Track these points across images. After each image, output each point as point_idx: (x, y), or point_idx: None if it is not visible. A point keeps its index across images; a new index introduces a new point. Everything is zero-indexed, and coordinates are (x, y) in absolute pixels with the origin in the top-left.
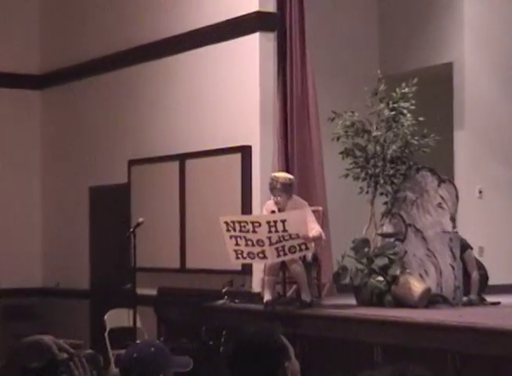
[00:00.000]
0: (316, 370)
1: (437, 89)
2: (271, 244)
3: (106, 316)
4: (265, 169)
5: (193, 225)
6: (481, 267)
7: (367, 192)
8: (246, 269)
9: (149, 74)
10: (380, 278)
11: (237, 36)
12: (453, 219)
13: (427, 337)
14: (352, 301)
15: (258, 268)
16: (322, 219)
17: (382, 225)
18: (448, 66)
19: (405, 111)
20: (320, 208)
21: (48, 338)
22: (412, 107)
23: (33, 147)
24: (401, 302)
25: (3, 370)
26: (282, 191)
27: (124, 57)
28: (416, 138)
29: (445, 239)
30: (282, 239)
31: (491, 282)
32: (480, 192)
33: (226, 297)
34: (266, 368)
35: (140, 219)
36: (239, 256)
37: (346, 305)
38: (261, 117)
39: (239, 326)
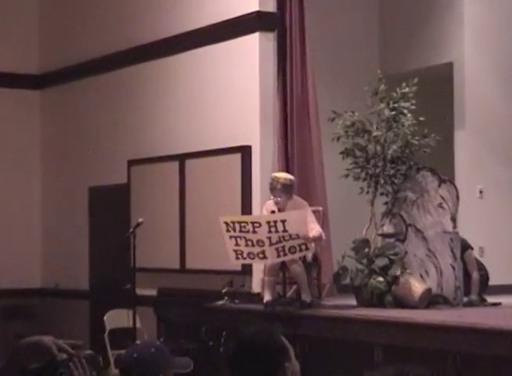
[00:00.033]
0: (316, 371)
1: (437, 89)
2: (271, 244)
3: (105, 317)
4: (265, 169)
5: (193, 226)
6: (481, 267)
7: (367, 192)
8: (246, 270)
9: (149, 74)
10: (381, 278)
11: (237, 36)
12: (454, 219)
13: (427, 337)
14: (352, 301)
15: (258, 268)
16: (323, 219)
17: (382, 225)
18: (449, 66)
19: (405, 111)
20: (320, 208)
21: (47, 339)
22: (413, 107)
23: (32, 147)
24: (401, 303)
25: (3, 371)
26: (282, 191)
27: (124, 57)
28: (417, 138)
29: (445, 239)
30: (282, 239)
31: (491, 282)
32: (480, 192)
33: (226, 297)
34: (266, 369)
35: (140, 219)
36: (239, 256)
37: (346, 306)
38: (261, 117)
39: (239, 326)
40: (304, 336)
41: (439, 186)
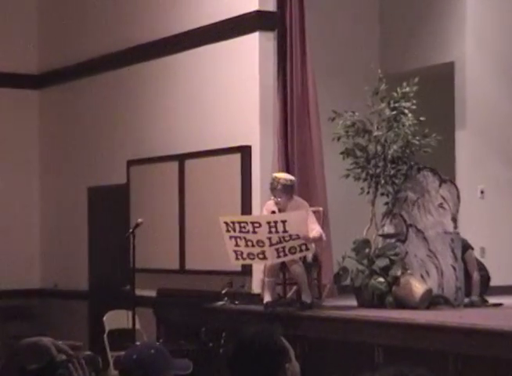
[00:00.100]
0: (317, 372)
1: (438, 89)
2: (271, 244)
3: (105, 318)
4: (265, 169)
5: (193, 226)
6: (482, 268)
7: (368, 192)
8: (246, 270)
9: (149, 74)
10: (381, 279)
11: (237, 35)
12: (455, 220)
13: (428, 338)
14: (353, 302)
15: (258, 269)
16: (323, 220)
17: (383, 225)
18: (450, 66)
19: (406, 111)
20: (321, 209)
21: (46, 340)
22: (413, 107)
23: (31, 147)
24: (402, 303)
25: (2, 372)
26: (282, 192)
27: (123, 57)
28: (417, 138)
29: (446, 239)
30: (282, 240)
31: (492, 283)
32: (481, 192)
33: (226, 298)
34: (266, 370)
35: (139, 220)
36: (239, 257)
37: (347, 307)
38: (261, 116)
39: (239, 327)
40: (304, 337)
41: (440, 186)
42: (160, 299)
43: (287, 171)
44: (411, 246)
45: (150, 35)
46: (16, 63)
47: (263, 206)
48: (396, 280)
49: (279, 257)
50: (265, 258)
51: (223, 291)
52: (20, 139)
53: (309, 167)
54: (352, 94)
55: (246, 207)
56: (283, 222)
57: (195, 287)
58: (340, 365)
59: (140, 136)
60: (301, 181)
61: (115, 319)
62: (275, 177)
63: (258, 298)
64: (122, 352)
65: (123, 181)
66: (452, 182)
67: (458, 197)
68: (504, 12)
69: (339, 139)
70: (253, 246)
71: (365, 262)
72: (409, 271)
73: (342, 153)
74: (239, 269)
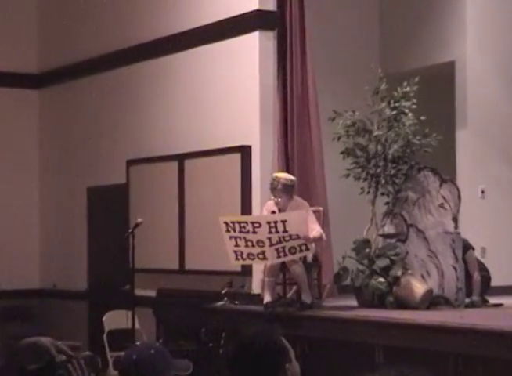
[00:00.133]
0: (317, 372)
1: (439, 88)
2: (271, 244)
3: (104, 318)
4: (264, 169)
5: (193, 226)
6: (483, 268)
7: (368, 192)
8: (246, 270)
9: (148, 73)
10: (382, 279)
11: (237, 35)
12: (455, 220)
13: (428, 338)
14: (353, 302)
15: (258, 269)
16: (323, 220)
17: (383, 225)
18: (450, 65)
19: (406, 110)
20: (321, 209)
21: (46, 340)
22: (414, 106)
23: (31, 147)
24: (402, 304)
25: (2, 372)
26: (283, 192)
27: (123, 56)
28: (418, 137)
29: (446, 240)
30: (282, 240)
31: (493, 283)
32: (482, 192)
33: (226, 298)
34: (266, 370)
35: (139, 220)
36: (239, 257)
37: (347, 307)
38: (261, 116)
39: (238, 327)
40: (304, 337)
41: (440, 185)
42: (159, 299)
43: (287, 171)
44: (411, 246)
45: (150, 35)
46: (16, 63)
47: (263, 206)
48: (396, 280)
49: (279, 257)
50: (264, 258)
51: (223, 291)
52: (20, 138)
53: (309, 166)
54: (352, 93)
55: (246, 207)
56: (283, 222)
57: (195, 287)
58: (340, 365)
59: (140, 136)
60: (301, 181)
61: (114, 319)
62: (276, 177)
63: (258, 298)
64: (122, 353)
65: (122, 181)
66: (453, 182)
67: (459, 196)
68: (505, 11)
69: (339, 138)
70: (253, 246)
71: (365, 262)
72: (409, 271)
73: (342, 152)
74: (239, 269)
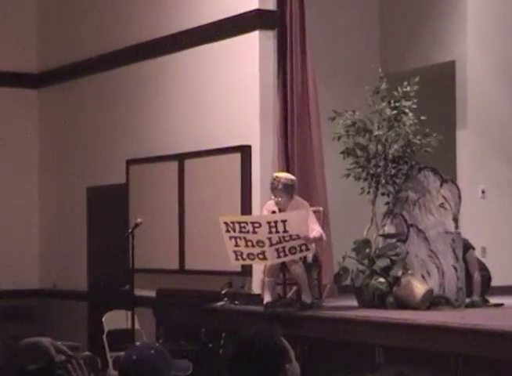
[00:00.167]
0: (317, 372)
1: (439, 88)
2: (271, 244)
3: (104, 318)
4: (265, 169)
5: (192, 226)
6: (483, 268)
7: (368, 192)
8: (246, 270)
9: (148, 73)
10: (382, 279)
11: (237, 34)
12: (456, 220)
13: (429, 339)
14: (353, 302)
15: (258, 269)
16: (323, 220)
17: (384, 225)
18: (451, 65)
19: (406, 110)
20: (321, 209)
21: (46, 340)
22: (414, 106)
23: (31, 146)
24: (403, 304)
25: (2, 372)
26: (283, 192)
27: (123, 56)
28: (418, 137)
29: (447, 239)
30: (282, 240)
31: (494, 283)
32: (483, 192)
33: (226, 298)
34: (266, 370)
35: (138, 220)
36: (239, 257)
37: (347, 307)
38: (261, 116)
39: (238, 328)
40: (304, 337)
41: (441, 185)
42: (159, 299)
43: (287, 170)
44: (412, 246)
45: (150, 34)
46: (16, 63)
47: (263, 206)
48: (397, 280)
49: (279, 257)
50: (265, 258)
51: (223, 292)
52: (19, 138)
53: (309, 166)
54: (353, 93)
55: (246, 207)
56: (283, 221)
57: (195, 287)
58: (340, 365)
59: (139, 136)
60: (301, 180)
61: (114, 319)
62: (276, 176)
63: (258, 298)
64: (121, 353)
65: (122, 181)
66: (453, 181)
67: (459, 196)
68: (505, 11)
69: (339, 138)
70: (253, 246)
71: (365, 262)
72: (409, 271)
73: (342, 152)
74: (239, 269)
